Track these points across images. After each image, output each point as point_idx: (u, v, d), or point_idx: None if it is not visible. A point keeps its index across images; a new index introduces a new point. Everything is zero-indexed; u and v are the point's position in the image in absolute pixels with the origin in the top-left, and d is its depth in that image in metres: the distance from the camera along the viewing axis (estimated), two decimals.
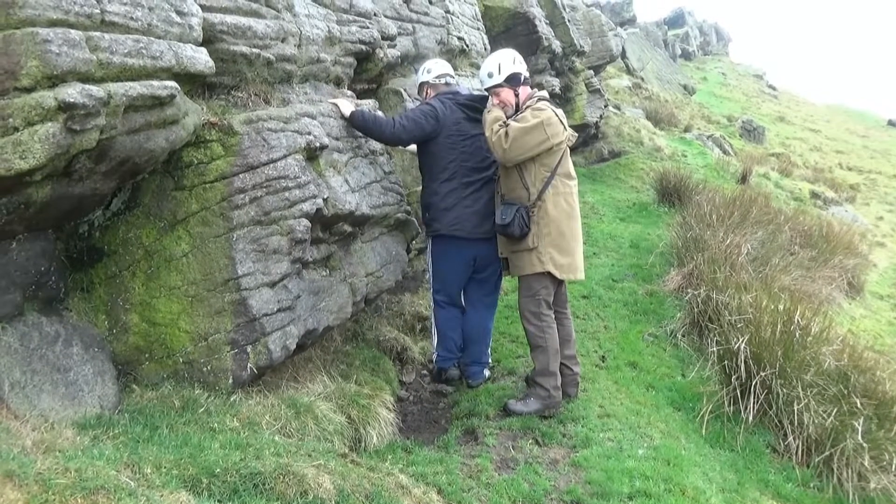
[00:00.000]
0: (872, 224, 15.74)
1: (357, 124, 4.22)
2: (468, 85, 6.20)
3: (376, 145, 4.65)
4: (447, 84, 4.69)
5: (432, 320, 4.71)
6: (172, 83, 2.75)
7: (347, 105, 4.27)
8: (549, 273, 4.12)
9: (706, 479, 3.78)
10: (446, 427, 4.22)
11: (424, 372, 5.17)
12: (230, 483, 2.36)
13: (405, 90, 5.60)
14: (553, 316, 4.24)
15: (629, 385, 4.82)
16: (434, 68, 4.75)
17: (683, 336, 5.69)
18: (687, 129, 19.26)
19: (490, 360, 4.90)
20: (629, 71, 25.18)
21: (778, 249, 7.81)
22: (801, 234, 9.60)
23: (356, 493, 2.69)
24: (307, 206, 3.48)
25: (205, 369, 3.12)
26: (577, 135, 4.62)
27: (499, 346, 5.24)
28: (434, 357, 4.76)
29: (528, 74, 4.35)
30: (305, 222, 3.46)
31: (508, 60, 4.24)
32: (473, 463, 3.50)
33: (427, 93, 4.71)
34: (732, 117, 25.77)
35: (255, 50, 3.55)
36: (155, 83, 2.66)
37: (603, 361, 5.13)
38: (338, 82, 4.68)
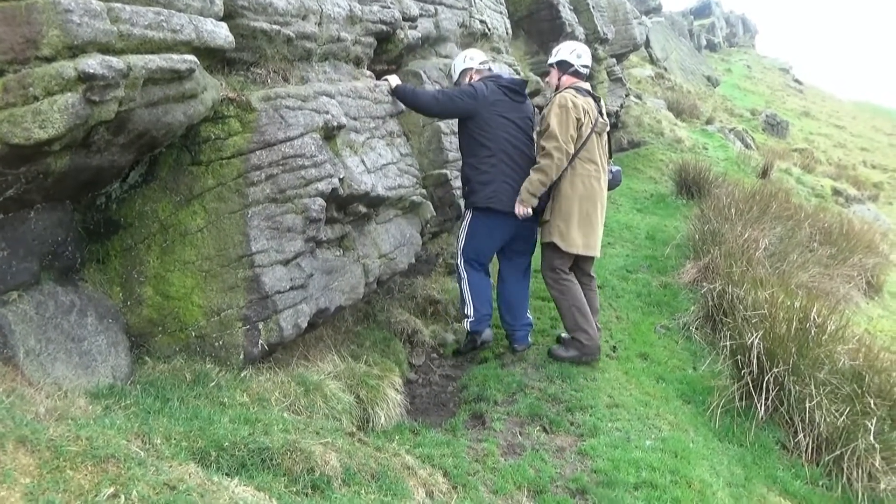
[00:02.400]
0: (895, 223, 15.49)
1: (401, 96, 4.61)
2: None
3: (394, 127, 4.64)
4: (489, 70, 4.95)
5: (463, 285, 4.74)
6: (192, 57, 2.75)
7: (396, 79, 4.71)
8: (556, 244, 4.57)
9: (713, 472, 3.76)
10: (454, 411, 4.23)
11: (434, 355, 5.19)
12: (238, 457, 2.38)
13: (424, 72, 5.57)
14: (571, 279, 4.70)
15: (639, 376, 4.80)
16: (476, 56, 4.98)
17: (696, 329, 5.65)
18: (709, 122, 19.03)
19: (532, 323, 5.01)
20: (652, 61, 24.88)
21: (796, 246, 7.71)
22: (821, 231, 9.46)
23: (362, 471, 2.72)
24: (323, 186, 3.48)
25: (216, 344, 3.15)
26: (607, 123, 4.77)
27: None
28: (467, 323, 4.77)
29: (582, 69, 4.75)
30: (320, 201, 3.46)
31: (566, 49, 4.79)
32: (480, 447, 3.51)
33: (471, 77, 4.88)
34: (756, 111, 25.42)
35: (275, 26, 3.53)
36: (174, 57, 2.66)
37: (614, 352, 5.10)
38: (357, 62, 4.66)
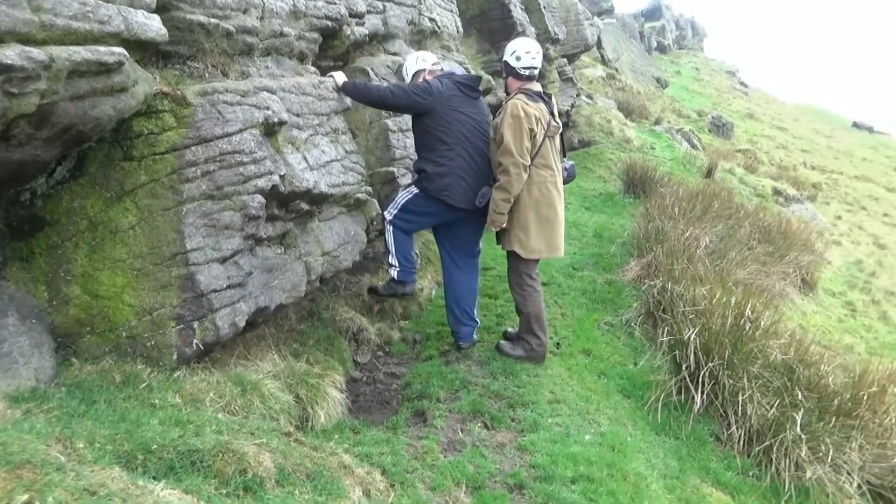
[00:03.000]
0: (831, 223, 16.14)
1: (349, 92, 4.58)
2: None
3: (339, 124, 4.61)
4: (441, 70, 4.92)
5: (388, 237, 4.71)
6: (120, 49, 2.67)
7: (342, 76, 4.65)
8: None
9: (649, 465, 3.86)
10: (397, 408, 4.23)
11: (380, 353, 5.18)
12: (166, 460, 2.33)
13: (372, 69, 5.54)
14: (535, 286, 4.75)
15: (581, 372, 4.88)
16: (428, 57, 4.95)
17: (638, 325, 5.78)
18: (657, 122, 19.45)
19: (479, 321, 5.06)
20: (604, 61, 25.27)
21: (736, 244, 7.96)
22: (761, 229, 9.79)
23: (297, 471, 2.69)
24: (262, 182, 3.43)
25: (148, 344, 3.07)
26: (560, 126, 4.75)
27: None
28: (394, 272, 4.77)
29: (523, 71, 4.61)
30: (260, 198, 3.41)
31: (508, 50, 4.68)
32: (420, 444, 3.52)
33: (424, 79, 4.81)
34: (703, 112, 26.09)
35: (213, 20, 3.46)
36: (101, 49, 2.58)
37: (558, 348, 5.18)
38: (302, 58, 4.60)
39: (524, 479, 3.34)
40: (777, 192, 15.18)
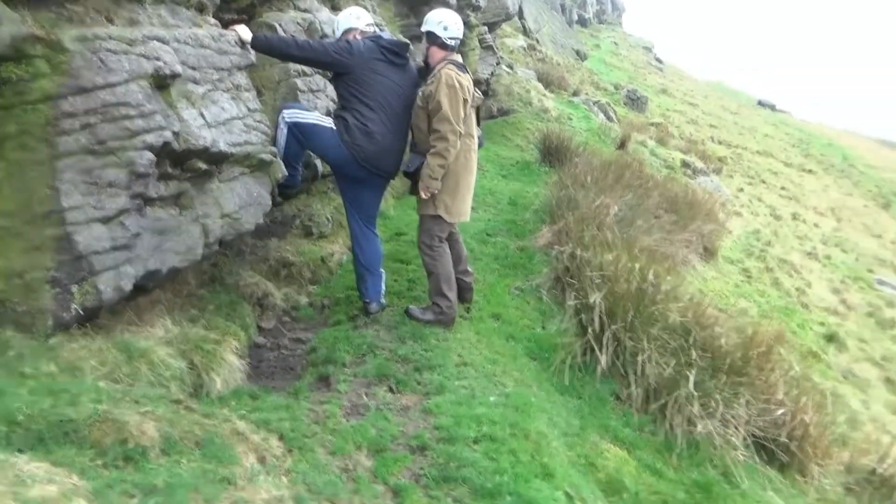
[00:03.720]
0: (733, 195, 16.93)
1: (261, 47, 4.41)
2: None
3: (242, 80, 4.39)
4: (373, 32, 4.79)
5: (279, 136, 4.60)
6: None
7: (246, 31, 4.41)
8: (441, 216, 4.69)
9: (551, 424, 3.96)
10: (301, 374, 4.15)
11: (286, 318, 5.07)
12: (34, 431, 2.18)
13: (280, 25, 5.29)
14: (445, 247, 4.83)
15: (490, 336, 4.93)
16: (363, 17, 4.83)
17: (547, 290, 5.88)
18: (575, 94, 19.73)
19: (385, 287, 5.03)
20: (525, 32, 25.33)
21: (644, 213, 8.21)
22: (668, 199, 10.14)
23: (185, 439, 2.58)
24: (152, 138, 3.22)
25: (19, 309, 2.85)
26: (483, 98, 4.83)
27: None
28: (283, 169, 4.70)
29: (449, 41, 4.64)
30: (149, 155, 3.21)
31: (433, 20, 4.66)
32: (322, 409, 3.46)
33: (355, 37, 4.70)
34: (619, 85, 26.67)
35: None
36: None
37: (468, 313, 5.21)
38: (200, 8, 4.32)
39: (427, 440, 3.35)
40: (685, 164, 15.77)
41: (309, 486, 2.71)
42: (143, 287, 3.47)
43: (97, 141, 2.98)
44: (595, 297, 4.88)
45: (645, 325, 4.88)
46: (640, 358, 4.60)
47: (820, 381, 6.55)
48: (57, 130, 2.86)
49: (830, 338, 9.26)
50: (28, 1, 2.99)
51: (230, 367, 3.65)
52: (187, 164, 3.72)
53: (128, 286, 3.17)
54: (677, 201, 10.42)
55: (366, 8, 7.62)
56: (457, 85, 4.44)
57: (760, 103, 43.76)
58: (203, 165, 3.82)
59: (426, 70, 4.77)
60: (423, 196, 4.64)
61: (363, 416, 3.49)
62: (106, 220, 3.06)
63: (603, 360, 4.73)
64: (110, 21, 3.33)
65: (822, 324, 9.80)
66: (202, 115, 3.72)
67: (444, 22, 4.62)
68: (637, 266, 5.49)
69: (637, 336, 4.79)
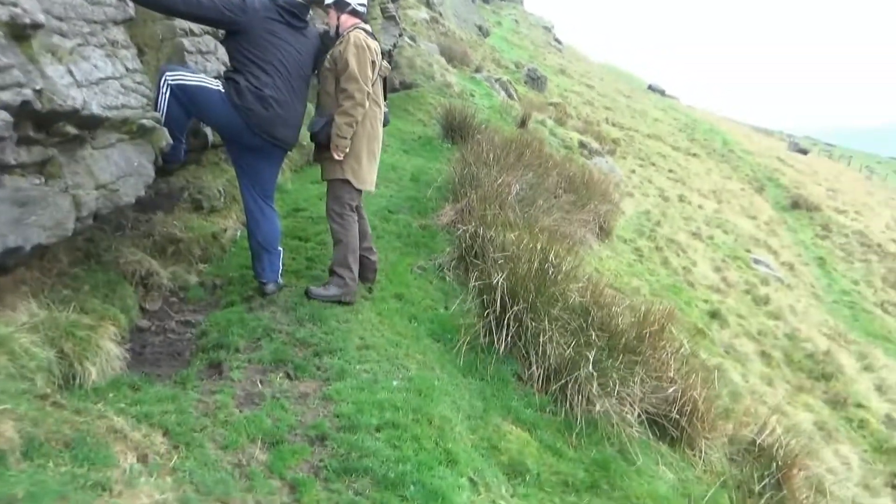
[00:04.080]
0: (626, 176, 17.62)
1: None
2: None
3: (119, 36, 3.94)
4: None
5: (161, 102, 4.15)
6: None
7: None
8: (349, 181, 4.61)
9: (455, 407, 3.89)
10: (190, 360, 3.85)
11: (174, 299, 4.70)
12: None
13: None
14: (354, 217, 4.74)
15: (392, 317, 4.80)
16: None
17: (450, 270, 5.81)
18: (478, 70, 19.77)
19: (282, 266, 4.79)
20: (428, 4, 25.03)
21: (544, 192, 8.32)
22: (567, 179, 10.35)
23: (52, 440, 2.30)
24: (8, 97, 2.79)
25: None
26: (390, 67, 4.74)
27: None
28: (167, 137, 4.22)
29: (359, 7, 4.63)
30: (4, 115, 2.78)
31: None
32: (212, 399, 3.20)
33: None
34: (520, 64, 27.03)
35: None
36: None
37: (370, 293, 5.04)
38: None
39: (327, 429, 3.19)
40: (582, 145, 16.20)
41: (197, 485, 2.49)
42: (1, 266, 3.06)
43: None
44: (498, 278, 4.84)
45: (546, 305, 4.90)
46: (541, 339, 4.61)
47: (706, 356, 6.91)
48: None
49: (714, 315, 9.85)
50: None
51: (107, 354, 3.30)
52: (54, 128, 3.29)
53: None
54: (575, 181, 10.67)
55: None
56: (365, 46, 4.40)
57: (651, 88, 45.86)
58: (73, 130, 3.39)
59: (334, 37, 4.65)
60: (336, 157, 4.52)
61: (258, 406, 3.27)
62: None
63: (504, 341, 4.71)
64: None
65: (706, 301, 10.40)
66: (70, 73, 3.30)
67: None
68: (538, 246, 5.52)
69: (538, 317, 4.81)
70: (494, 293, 4.86)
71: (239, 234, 5.65)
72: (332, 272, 4.70)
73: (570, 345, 4.66)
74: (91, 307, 3.80)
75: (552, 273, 5.22)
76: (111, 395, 3.02)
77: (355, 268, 4.69)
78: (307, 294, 4.60)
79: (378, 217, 6.73)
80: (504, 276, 4.88)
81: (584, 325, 4.96)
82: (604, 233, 9.79)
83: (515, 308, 4.76)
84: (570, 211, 8.59)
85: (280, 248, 4.71)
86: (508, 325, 4.72)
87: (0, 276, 3.34)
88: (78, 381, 3.08)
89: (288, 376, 3.64)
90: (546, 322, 4.72)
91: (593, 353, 4.48)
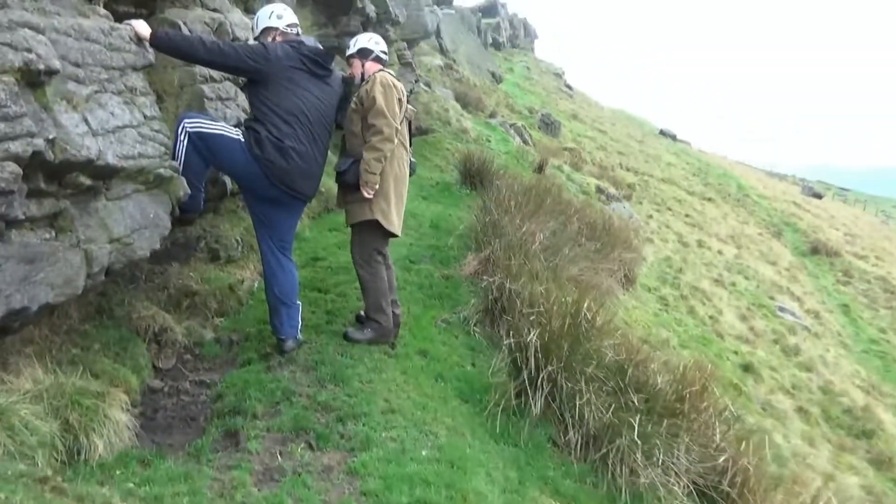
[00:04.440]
0: (644, 221, 17.37)
1: (162, 45, 3.83)
2: None
3: (138, 82, 3.78)
4: (297, 35, 4.33)
5: (179, 150, 3.97)
6: None
7: (144, 26, 3.79)
8: (377, 224, 4.50)
9: (489, 480, 3.57)
10: (204, 427, 3.57)
11: (188, 356, 4.45)
12: None
13: (185, 24, 4.71)
14: (381, 263, 4.70)
15: (418, 375, 4.50)
16: (285, 15, 4.31)
17: (476, 324, 5.52)
18: (492, 115, 19.76)
19: (301, 321, 4.53)
20: (442, 51, 25.32)
21: (568, 240, 8.05)
22: (588, 225, 10.10)
23: None
24: (17, 147, 2.61)
25: None
26: (415, 110, 4.68)
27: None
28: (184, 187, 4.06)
29: (382, 55, 4.70)
30: (13, 167, 2.59)
31: (364, 38, 4.71)
32: (229, 477, 2.92)
33: (274, 39, 4.23)
34: (533, 109, 27.12)
35: None
36: None
37: (393, 349, 4.76)
38: None
39: None
40: (600, 190, 16.01)
41: None
42: (4, 329, 2.83)
43: None
44: (531, 336, 4.55)
45: (580, 364, 4.60)
46: (578, 401, 4.29)
47: (744, 414, 6.54)
48: None
49: (746, 368, 9.46)
50: None
51: (115, 425, 3.02)
52: (67, 179, 3.10)
53: None
54: (596, 228, 10.41)
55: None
56: (391, 84, 4.41)
57: (662, 132, 45.95)
58: (87, 181, 3.20)
59: (358, 82, 4.61)
60: (366, 194, 4.38)
61: (278, 483, 2.97)
62: None
63: (538, 402, 4.40)
64: None
65: (735, 352, 10.01)
66: (86, 121, 3.12)
67: (373, 38, 4.74)
68: (569, 299, 5.23)
69: (573, 376, 4.50)
70: (526, 351, 4.56)
71: (256, 285, 5.42)
72: (366, 318, 4.68)
73: (608, 407, 4.33)
74: (101, 368, 3.56)
75: (585, 329, 4.93)
76: (118, 472, 2.75)
77: (389, 309, 4.66)
78: (345, 337, 4.60)
79: (399, 267, 6.47)
80: (536, 333, 4.59)
81: (621, 385, 4.64)
82: (628, 281, 9.49)
83: (549, 368, 4.45)
84: (594, 259, 8.31)
85: (299, 302, 4.46)
86: (542, 385, 4.41)
87: (4, 336, 3.11)
88: (83, 456, 2.81)
89: (310, 446, 3.35)
90: (582, 383, 4.41)
91: (637, 419, 4.15)
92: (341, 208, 4.85)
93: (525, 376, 4.49)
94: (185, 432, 3.55)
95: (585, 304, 5.14)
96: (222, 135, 4.05)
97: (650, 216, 18.67)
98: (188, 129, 3.98)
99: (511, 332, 4.88)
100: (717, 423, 4.66)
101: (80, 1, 3.59)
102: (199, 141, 3.99)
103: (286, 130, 4.04)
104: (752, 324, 11.97)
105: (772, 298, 14.76)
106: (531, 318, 4.83)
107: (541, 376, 4.43)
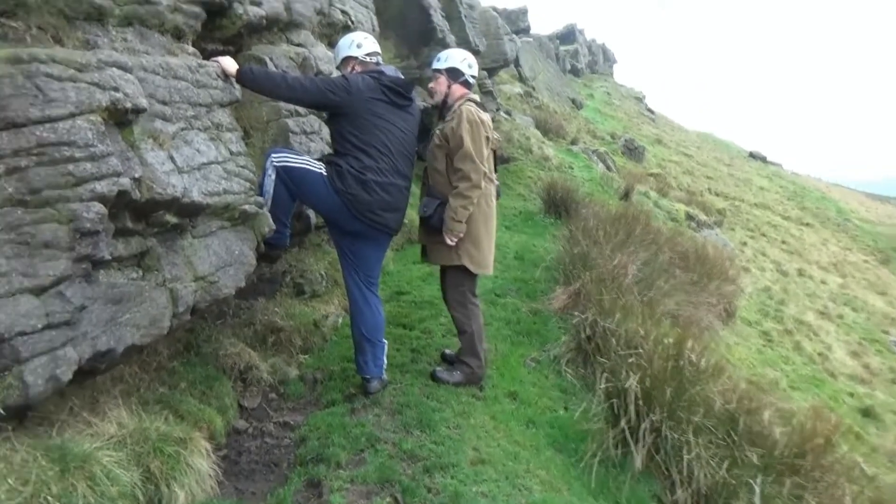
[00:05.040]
0: (737, 249, 16.44)
1: (246, 82, 3.80)
2: None
3: (224, 118, 3.76)
4: (377, 64, 4.23)
5: (267, 183, 3.97)
6: None
7: (231, 62, 3.82)
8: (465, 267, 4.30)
9: None
10: (286, 474, 3.40)
11: (273, 395, 4.33)
12: None
13: (271, 59, 4.71)
14: (477, 304, 4.53)
15: (508, 421, 4.21)
16: (365, 44, 4.23)
17: (568, 363, 5.19)
18: (574, 142, 19.39)
19: (386, 361, 4.35)
20: (521, 79, 25.21)
21: (661, 272, 7.59)
22: (680, 255, 9.56)
23: None
24: (103, 187, 2.56)
25: None
26: (501, 140, 4.44)
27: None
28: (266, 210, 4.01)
29: (471, 79, 4.47)
30: (98, 207, 2.53)
31: (457, 57, 4.47)
32: None
33: (353, 68, 4.18)
34: (615, 135, 26.50)
35: None
36: None
37: (481, 391, 4.50)
38: (178, 35, 3.73)
39: None
40: (689, 216, 15.29)
41: None
42: (92, 370, 2.76)
43: (29, 190, 2.31)
44: (631, 381, 4.17)
45: (686, 412, 4.18)
46: (685, 456, 3.87)
47: (866, 465, 5.83)
48: None
49: (866, 413, 8.58)
50: None
51: (197, 473, 2.90)
52: (153, 218, 3.05)
53: (66, 375, 2.45)
54: (689, 258, 9.85)
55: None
56: (478, 121, 4.19)
57: (752, 155, 44.03)
58: (172, 219, 3.15)
59: (441, 108, 4.42)
60: (449, 242, 4.19)
61: None
62: (39, 291, 2.37)
63: (640, 455, 4.00)
64: (59, 42, 2.71)
65: (851, 394, 9.13)
66: (171, 159, 3.07)
67: (467, 59, 4.46)
68: (670, 339, 4.82)
69: (679, 426, 4.08)
70: (625, 397, 4.19)
71: (341, 320, 5.30)
72: (458, 361, 4.51)
73: (719, 463, 3.89)
74: (187, 409, 3.48)
75: (689, 372, 4.50)
76: None
77: (482, 353, 4.51)
78: (432, 377, 4.41)
79: (485, 300, 6.23)
80: (637, 378, 4.21)
81: (733, 436, 4.18)
82: (728, 315, 8.86)
83: (652, 416, 4.06)
84: (690, 292, 7.79)
85: (384, 340, 4.29)
86: (644, 435, 4.02)
87: (88, 379, 3.05)
88: None
89: (395, 501, 3.11)
90: (690, 434, 3.99)
91: (759, 482, 3.68)
92: (422, 243, 4.66)
93: (624, 424, 4.10)
94: (267, 479, 3.40)
95: (688, 345, 4.72)
96: (307, 168, 3.99)
97: (744, 243, 17.69)
98: (275, 164, 3.96)
99: (606, 375, 4.51)
100: (846, 484, 4.11)
101: (169, 39, 3.60)
102: (286, 174, 3.96)
103: (368, 163, 3.93)
104: (865, 361, 10.96)
105: (885, 332, 13.53)
106: (629, 361, 4.45)
107: (642, 425, 4.04)
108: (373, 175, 3.92)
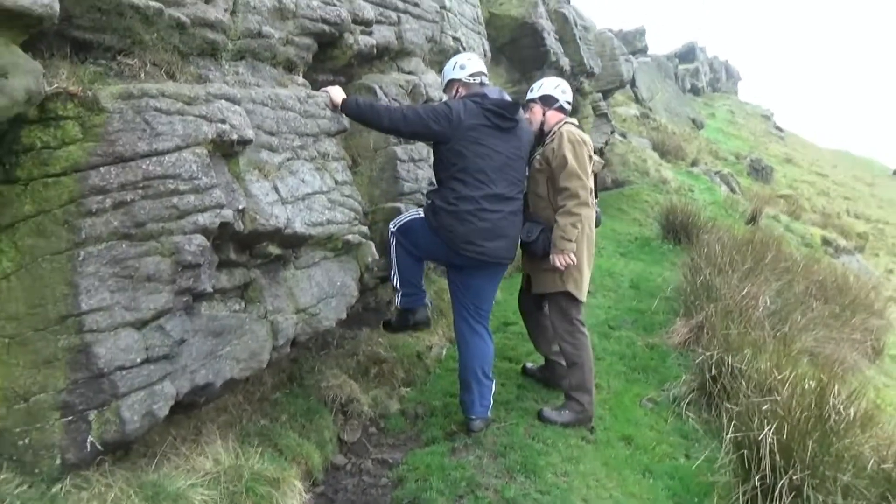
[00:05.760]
0: (883, 277, 14.87)
1: (350, 112, 3.78)
2: None
3: (330, 147, 3.74)
4: (481, 84, 4.07)
5: (392, 254, 3.96)
6: None
7: (339, 92, 3.83)
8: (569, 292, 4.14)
9: None
10: None
11: (373, 429, 4.22)
12: None
13: (380, 87, 4.69)
14: (586, 333, 4.29)
15: (621, 468, 3.87)
16: (468, 65, 4.10)
17: (689, 405, 4.74)
18: (694, 164, 18.45)
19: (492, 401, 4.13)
20: (637, 100, 24.44)
21: (797, 304, 6.89)
22: (817, 284, 8.69)
23: None
24: (205, 219, 2.55)
25: (20, 443, 2.18)
26: (603, 162, 4.22)
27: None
28: (398, 298, 4.06)
29: (566, 105, 4.41)
30: (200, 240, 2.53)
31: (550, 84, 4.43)
32: None
33: (458, 91, 4.07)
34: (740, 155, 25.01)
35: (154, 3, 2.63)
36: None
37: (591, 433, 4.17)
38: (290, 67, 3.76)
39: None
40: (826, 241, 14.02)
41: None
42: (191, 404, 2.76)
43: (134, 223, 2.33)
44: (765, 432, 3.70)
45: (833, 469, 3.65)
46: None
47: None
48: (82, 210, 2.22)
49: None
50: (69, 51, 2.45)
51: None
52: (256, 249, 3.04)
53: (163, 411, 2.44)
54: (827, 287, 8.94)
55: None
56: (580, 140, 4.08)
57: None
58: (276, 250, 3.14)
59: (539, 136, 4.29)
60: (560, 264, 3.97)
61: None
62: (140, 325, 2.37)
63: None
64: (172, 77, 2.75)
65: None
66: (276, 190, 3.06)
67: (560, 86, 4.44)
68: (811, 384, 4.27)
69: (824, 485, 3.57)
70: (758, 449, 3.72)
71: (445, 352, 5.16)
72: (567, 396, 4.25)
73: None
74: (286, 443, 3.43)
75: (835, 422, 3.95)
76: None
77: (592, 388, 4.25)
78: (539, 416, 4.17)
79: (596, 333, 5.88)
80: (772, 428, 3.74)
81: (890, 499, 3.61)
82: (875, 353, 7.90)
83: (791, 473, 3.58)
84: (831, 326, 7.01)
85: (492, 379, 4.07)
86: (782, 494, 3.54)
87: (188, 412, 3.07)
88: None
89: None
90: (838, 496, 3.47)
91: None
92: (526, 272, 4.51)
93: (757, 481, 3.64)
94: None
95: (834, 390, 4.16)
96: (412, 218, 3.92)
97: (890, 270, 15.99)
98: (392, 230, 3.95)
99: (735, 421, 4.04)
100: None
101: (281, 71, 3.64)
102: (401, 236, 3.92)
103: (464, 193, 3.73)
104: None
105: None
106: (763, 409, 3.97)
107: (780, 483, 3.57)
108: (466, 204, 3.72)
